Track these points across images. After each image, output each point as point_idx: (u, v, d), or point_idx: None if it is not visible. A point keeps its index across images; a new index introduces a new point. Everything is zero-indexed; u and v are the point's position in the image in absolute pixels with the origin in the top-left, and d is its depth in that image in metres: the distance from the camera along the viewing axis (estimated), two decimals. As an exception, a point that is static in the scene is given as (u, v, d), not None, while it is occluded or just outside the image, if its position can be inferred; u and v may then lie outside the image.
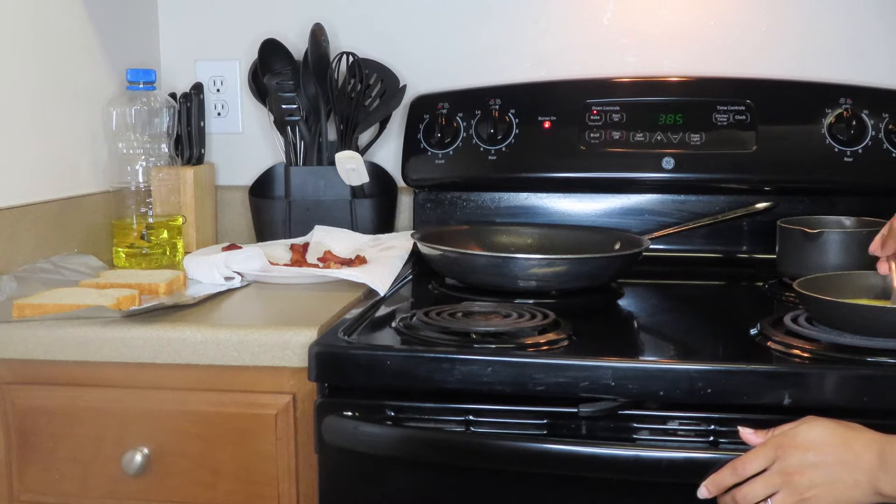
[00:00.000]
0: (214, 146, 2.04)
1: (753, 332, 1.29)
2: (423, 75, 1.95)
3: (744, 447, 1.08)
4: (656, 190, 1.81)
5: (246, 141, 2.05)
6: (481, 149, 1.84)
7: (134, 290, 1.45)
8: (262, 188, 1.95)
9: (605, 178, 1.81)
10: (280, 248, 1.77)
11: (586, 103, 1.82)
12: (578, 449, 1.14)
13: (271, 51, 1.90)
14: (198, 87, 1.93)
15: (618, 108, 1.81)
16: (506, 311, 1.36)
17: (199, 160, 1.92)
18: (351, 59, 1.89)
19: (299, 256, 1.72)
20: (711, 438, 1.16)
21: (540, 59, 1.94)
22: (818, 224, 1.59)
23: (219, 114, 2.05)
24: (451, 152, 1.85)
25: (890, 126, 1.73)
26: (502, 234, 1.77)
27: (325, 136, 1.91)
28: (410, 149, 1.87)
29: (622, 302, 1.57)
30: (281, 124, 1.91)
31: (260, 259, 1.62)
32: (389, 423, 1.21)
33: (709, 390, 1.15)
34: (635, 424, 1.17)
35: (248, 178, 1.98)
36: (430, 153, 1.86)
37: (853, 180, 1.73)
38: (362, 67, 1.88)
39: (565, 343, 1.27)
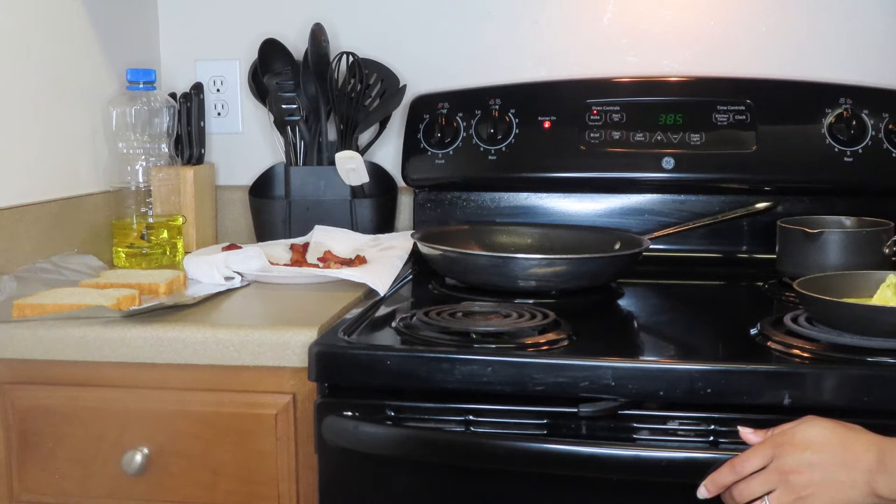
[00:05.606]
0: (214, 146, 2.04)
1: (753, 332, 1.29)
2: (423, 75, 1.95)
3: (743, 447, 1.08)
4: (656, 190, 1.81)
5: (246, 141, 2.05)
6: (481, 149, 1.84)
7: (134, 290, 1.45)
8: (262, 188, 1.95)
9: (605, 178, 1.81)
10: (280, 248, 1.77)
11: (586, 103, 1.82)
12: (578, 449, 1.13)
13: (271, 51, 1.90)
14: (198, 87, 1.93)
15: (618, 108, 1.81)
16: (506, 311, 1.36)
17: (199, 160, 1.92)
18: (351, 59, 1.89)
19: (299, 256, 1.72)
20: (711, 438, 1.16)
21: (540, 59, 1.94)
22: (818, 224, 1.59)
23: (219, 114, 2.05)
24: (451, 152, 1.85)
25: (890, 126, 1.73)
26: (502, 234, 1.77)
27: (325, 136, 1.91)
28: (410, 149, 1.87)
29: (622, 302, 1.57)
30: (281, 124, 1.91)
31: (260, 259, 1.62)
32: (389, 423, 1.21)
33: (709, 390, 1.15)
34: (635, 424, 1.17)
35: (248, 178, 1.98)
36: (430, 153, 1.86)
37: (853, 180, 1.73)
38: (362, 67, 1.88)
39: (565, 343, 1.27)
